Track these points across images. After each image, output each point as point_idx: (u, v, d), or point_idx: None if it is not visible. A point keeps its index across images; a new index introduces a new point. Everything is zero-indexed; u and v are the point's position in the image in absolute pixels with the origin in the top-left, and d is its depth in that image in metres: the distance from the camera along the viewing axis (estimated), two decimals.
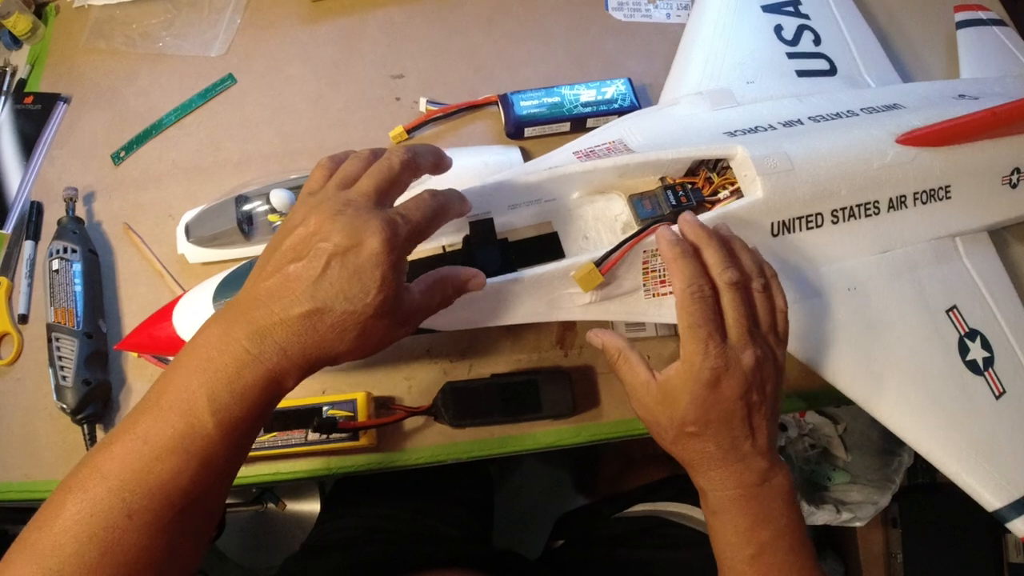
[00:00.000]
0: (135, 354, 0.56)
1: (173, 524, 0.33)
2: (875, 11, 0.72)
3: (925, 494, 0.94)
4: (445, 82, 0.67)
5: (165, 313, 0.49)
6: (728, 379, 0.40)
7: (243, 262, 0.51)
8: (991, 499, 0.48)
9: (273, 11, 0.71)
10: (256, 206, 0.57)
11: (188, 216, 0.59)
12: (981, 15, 0.70)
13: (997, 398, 0.51)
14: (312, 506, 0.95)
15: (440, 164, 0.43)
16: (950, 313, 0.53)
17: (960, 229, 0.55)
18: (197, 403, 0.33)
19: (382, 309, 0.35)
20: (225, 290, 0.48)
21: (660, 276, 0.49)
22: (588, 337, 0.47)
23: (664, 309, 0.50)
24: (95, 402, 0.54)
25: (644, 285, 0.49)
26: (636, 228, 0.50)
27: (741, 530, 0.42)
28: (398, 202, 0.39)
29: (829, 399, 0.57)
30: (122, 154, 0.64)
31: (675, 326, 0.58)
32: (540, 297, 0.48)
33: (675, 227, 0.46)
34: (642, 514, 0.69)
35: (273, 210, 0.57)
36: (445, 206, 0.40)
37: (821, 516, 0.83)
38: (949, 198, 0.54)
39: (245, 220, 0.57)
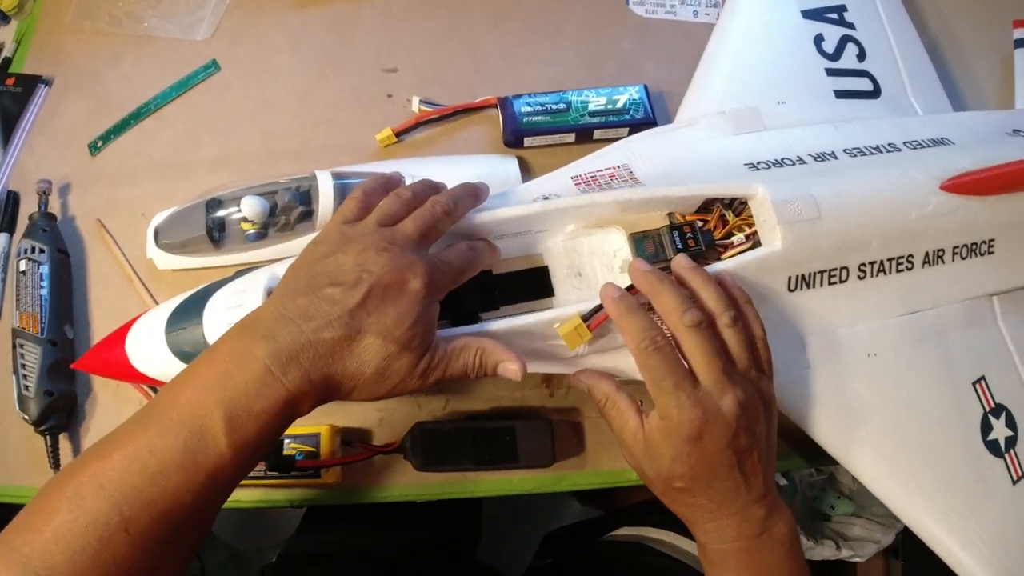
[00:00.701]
0: None
1: (168, 538, 0.32)
2: (928, 18, 0.64)
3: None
4: (442, 80, 0.61)
5: (119, 337, 0.46)
6: (710, 430, 0.37)
7: (198, 288, 0.47)
8: None
9: None
10: (229, 213, 0.53)
11: (158, 219, 0.55)
12: None
13: (1014, 483, 0.46)
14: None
15: (478, 201, 0.43)
16: (976, 385, 0.47)
17: (1000, 288, 0.49)
18: (211, 421, 0.32)
19: (409, 346, 0.35)
20: (178, 319, 0.44)
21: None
22: (573, 380, 0.44)
23: None
24: (58, 413, 0.52)
25: None
26: None
27: None
28: None
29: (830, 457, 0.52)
30: (99, 144, 0.61)
31: None
32: (522, 348, 0.44)
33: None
34: (627, 538, 0.67)
35: (245, 218, 0.53)
36: (479, 259, 0.41)
37: (821, 551, 0.80)
38: (992, 253, 0.48)
39: (216, 227, 0.54)
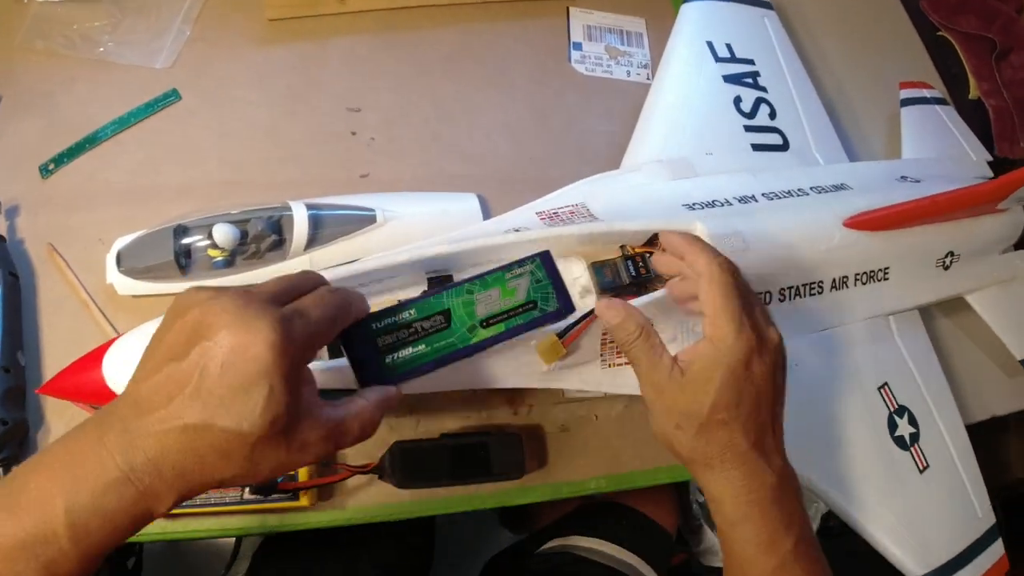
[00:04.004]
0: None
1: None
2: (825, 82, 0.75)
3: (841, 536, 0.98)
4: (405, 122, 0.65)
5: (95, 358, 0.46)
6: (759, 358, 0.39)
7: None
8: (913, 567, 0.51)
9: (226, 25, 0.67)
10: (196, 240, 0.54)
11: (121, 243, 0.55)
12: (925, 93, 0.74)
13: (921, 472, 0.54)
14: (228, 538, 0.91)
15: (349, 312, 0.37)
16: (881, 390, 0.55)
17: (895, 308, 0.58)
18: (54, 511, 0.29)
19: (273, 430, 0.30)
20: None
21: (617, 347, 0.50)
22: (599, 310, 0.42)
23: (619, 380, 0.50)
24: (11, 443, 0.50)
25: (602, 355, 0.49)
26: (595, 294, 0.50)
27: (763, 539, 0.39)
28: None
29: None
30: (51, 167, 0.60)
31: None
32: (498, 365, 0.47)
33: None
34: (557, 550, 0.70)
35: (214, 245, 0.54)
36: (347, 303, 0.36)
37: None
38: (887, 279, 0.57)
39: (183, 253, 0.54)
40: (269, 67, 0.66)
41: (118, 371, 0.45)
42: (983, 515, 0.55)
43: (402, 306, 0.38)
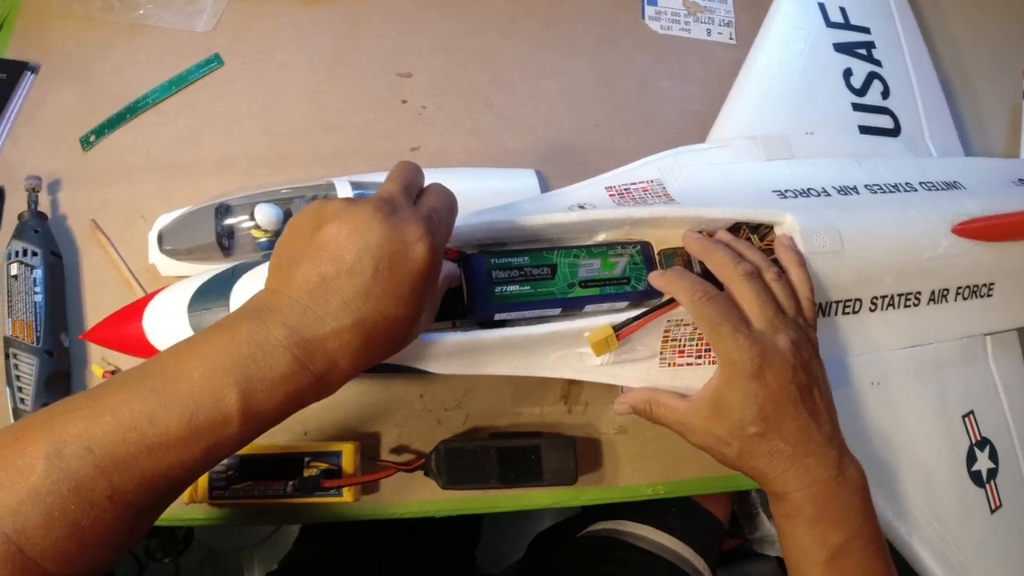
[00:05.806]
0: (99, 373, 0.52)
1: (151, 507, 0.31)
2: (944, 55, 0.66)
3: None
4: (456, 88, 0.60)
5: (136, 311, 0.45)
6: (770, 365, 0.39)
7: (222, 269, 0.46)
8: None
9: None
10: (240, 220, 0.51)
11: (162, 222, 0.53)
12: None
13: (992, 512, 0.50)
14: None
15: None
16: (966, 419, 0.50)
17: (994, 328, 0.52)
18: (228, 401, 0.31)
19: (419, 316, 0.35)
20: (202, 299, 0.43)
21: (680, 346, 0.45)
22: (616, 411, 0.46)
23: (678, 380, 0.46)
24: None
25: (661, 353, 0.45)
26: None
27: (815, 532, 0.40)
28: None
29: None
30: (92, 138, 0.57)
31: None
32: (547, 352, 0.44)
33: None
34: (602, 533, 0.68)
35: (258, 226, 0.51)
36: (455, 199, 0.39)
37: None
38: (991, 296, 0.51)
39: (226, 234, 0.51)
40: (313, 27, 0.61)
41: (156, 326, 0.44)
42: None
43: (517, 252, 0.43)
